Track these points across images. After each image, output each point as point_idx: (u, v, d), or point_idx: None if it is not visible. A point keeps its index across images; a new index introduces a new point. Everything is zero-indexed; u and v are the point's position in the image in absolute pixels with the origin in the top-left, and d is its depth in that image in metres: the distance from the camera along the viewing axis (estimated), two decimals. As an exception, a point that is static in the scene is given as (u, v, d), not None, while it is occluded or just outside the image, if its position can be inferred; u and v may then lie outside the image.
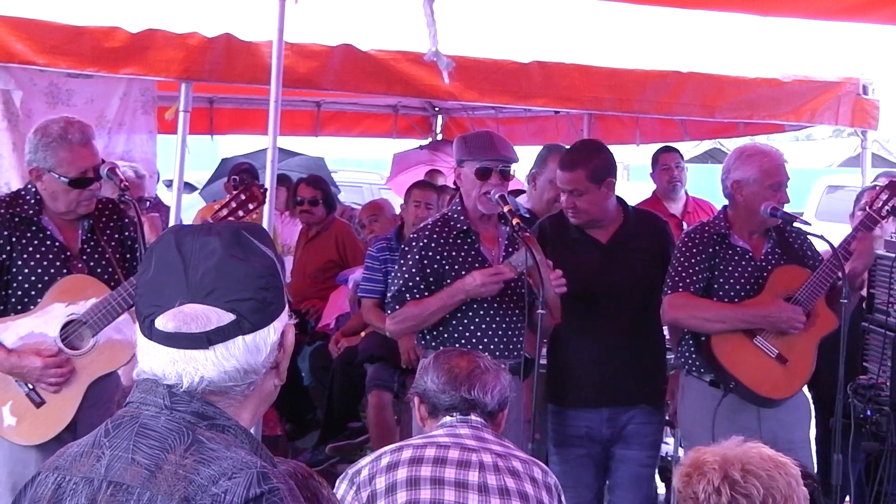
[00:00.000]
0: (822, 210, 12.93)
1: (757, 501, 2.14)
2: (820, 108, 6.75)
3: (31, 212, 3.61)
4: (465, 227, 4.04)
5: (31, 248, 3.58)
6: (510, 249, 4.08)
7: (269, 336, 1.60)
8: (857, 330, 4.17)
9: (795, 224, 4.18)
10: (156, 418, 1.56)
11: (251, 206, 3.78)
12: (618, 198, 4.31)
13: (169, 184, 6.32)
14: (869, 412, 3.99)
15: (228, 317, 1.56)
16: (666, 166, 6.68)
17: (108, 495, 1.51)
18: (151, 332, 1.59)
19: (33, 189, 3.63)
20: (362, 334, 5.99)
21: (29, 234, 3.59)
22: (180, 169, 5.41)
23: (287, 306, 1.67)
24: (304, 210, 6.89)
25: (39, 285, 3.56)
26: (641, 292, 4.21)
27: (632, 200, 6.81)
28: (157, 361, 1.59)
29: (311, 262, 6.89)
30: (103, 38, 5.16)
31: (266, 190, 3.96)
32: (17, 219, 3.59)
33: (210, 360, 1.56)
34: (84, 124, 3.71)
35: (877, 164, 12.84)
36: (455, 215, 4.08)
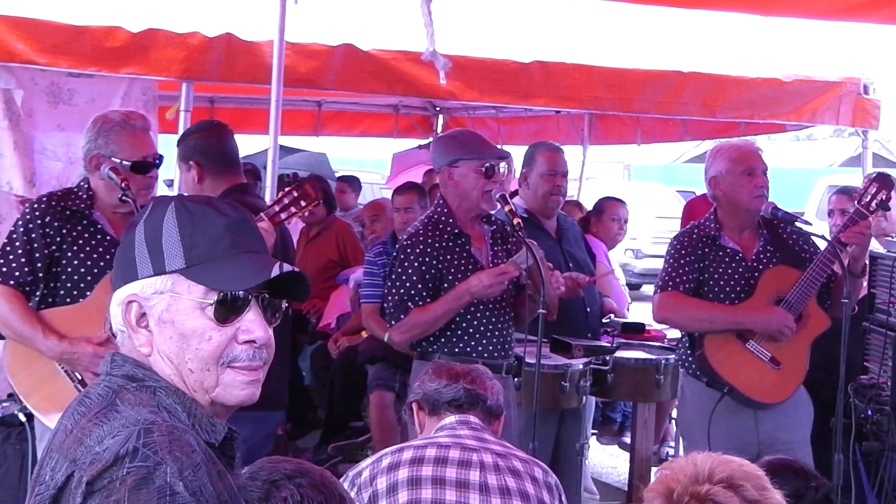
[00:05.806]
0: (822, 210, 12.90)
1: None
2: (821, 107, 6.75)
3: (82, 206, 3.62)
4: (455, 231, 3.99)
5: (80, 241, 3.58)
6: (495, 248, 4.07)
7: None
8: (857, 330, 4.17)
9: (797, 224, 4.18)
10: (97, 385, 1.63)
11: (303, 204, 3.59)
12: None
13: (170, 183, 6.30)
14: (870, 412, 3.99)
15: None
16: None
17: (47, 459, 1.59)
18: None
19: (86, 185, 3.66)
20: (363, 334, 6.00)
21: (80, 228, 3.60)
22: (181, 169, 5.40)
23: (143, 278, 1.74)
24: (305, 210, 6.88)
25: (89, 278, 3.55)
26: None
27: (633, 200, 6.83)
28: None
29: (312, 261, 6.88)
30: (104, 38, 5.16)
31: (322, 189, 3.81)
32: (68, 212, 3.60)
33: None
34: (143, 115, 3.73)
35: (878, 163, 12.83)
36: (442, 218, 4.01)
